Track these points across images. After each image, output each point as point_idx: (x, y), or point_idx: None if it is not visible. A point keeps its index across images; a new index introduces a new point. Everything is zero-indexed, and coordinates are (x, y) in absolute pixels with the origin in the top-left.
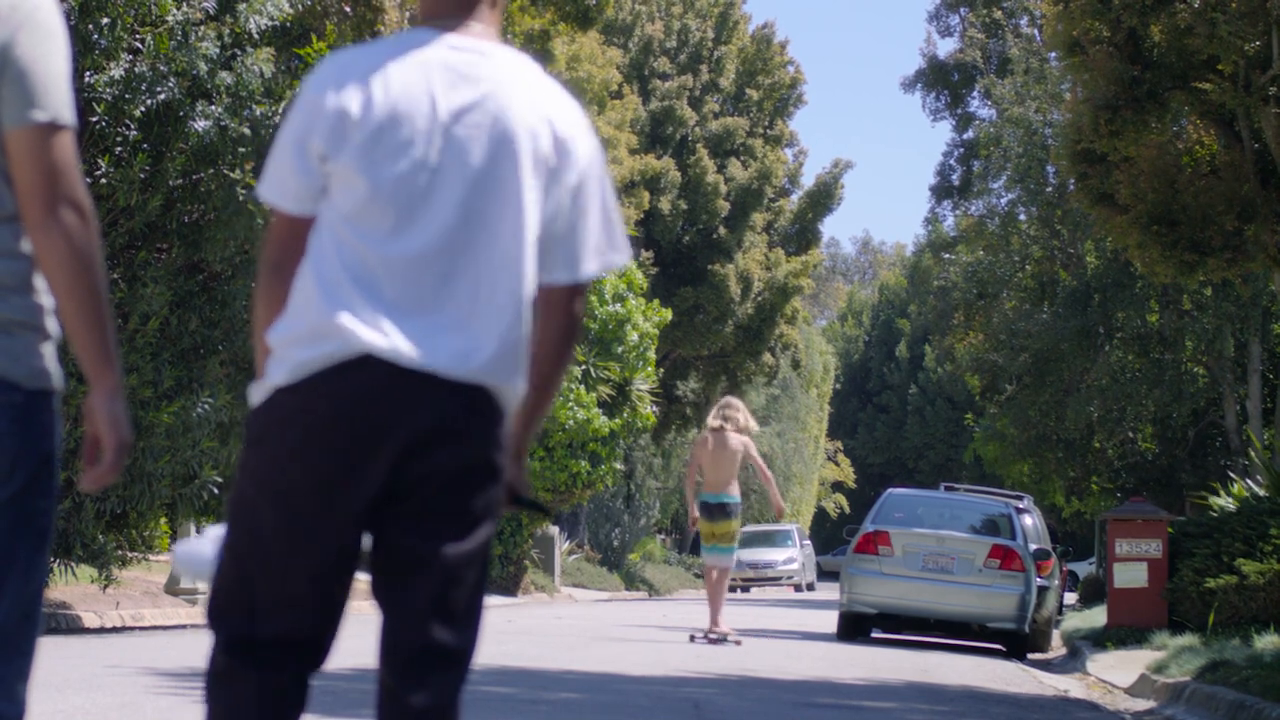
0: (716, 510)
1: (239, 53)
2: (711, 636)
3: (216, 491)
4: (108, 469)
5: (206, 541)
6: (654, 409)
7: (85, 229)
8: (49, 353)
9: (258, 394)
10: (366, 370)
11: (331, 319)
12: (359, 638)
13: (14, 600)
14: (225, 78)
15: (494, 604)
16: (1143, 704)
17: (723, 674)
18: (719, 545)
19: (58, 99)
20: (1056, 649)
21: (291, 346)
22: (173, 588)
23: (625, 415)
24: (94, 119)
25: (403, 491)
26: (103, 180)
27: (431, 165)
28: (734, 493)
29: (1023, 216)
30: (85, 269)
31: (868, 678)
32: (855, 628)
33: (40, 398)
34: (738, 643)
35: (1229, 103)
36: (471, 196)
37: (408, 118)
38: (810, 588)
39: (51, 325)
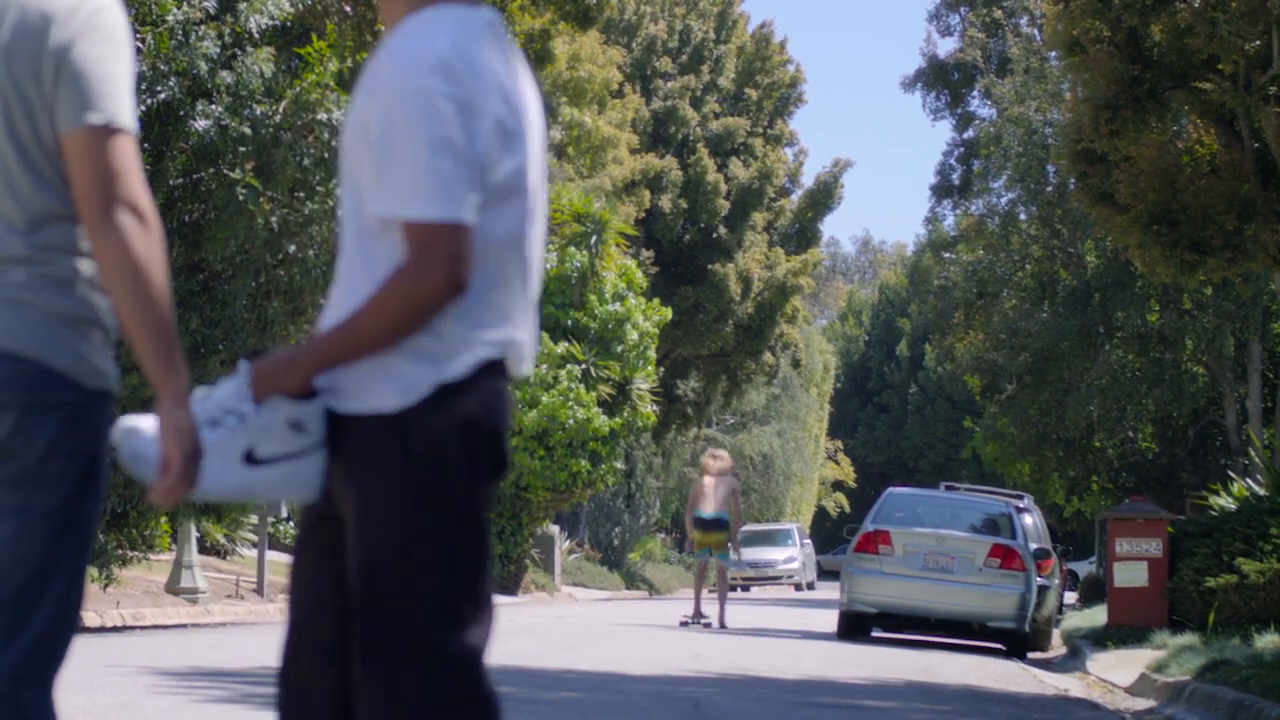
0: (711, 524)
1: (239, 52)
2: (685, 620)
3: None
4: (176, 481)
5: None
6: (654, 408)
7: (144, 233)
8: (108, 350)
9: (453, 365)
10: (506, 371)
11: (496, 326)
12: None
13: (56, 603)
14: (225, 77)
15: (494, 603)
16: (1143, 703)
17: (723, 674)
18: (716, 551)
19: (115, 102)
20: (1057, 648)
21: (481, 330)
22: (173, 587)
23: (625, 414)
24: None
25: None
26: None
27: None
28: (725, 511)
29: (1023, 216)
30: (142, 274)
31: (868, 677)
32: (856, 627)
33: (99, 399)
34: (709, 624)
35: (1229, 102)
36: (540, 198)
37: (532, 126)
38: (810, 587)
39: (113, 323)
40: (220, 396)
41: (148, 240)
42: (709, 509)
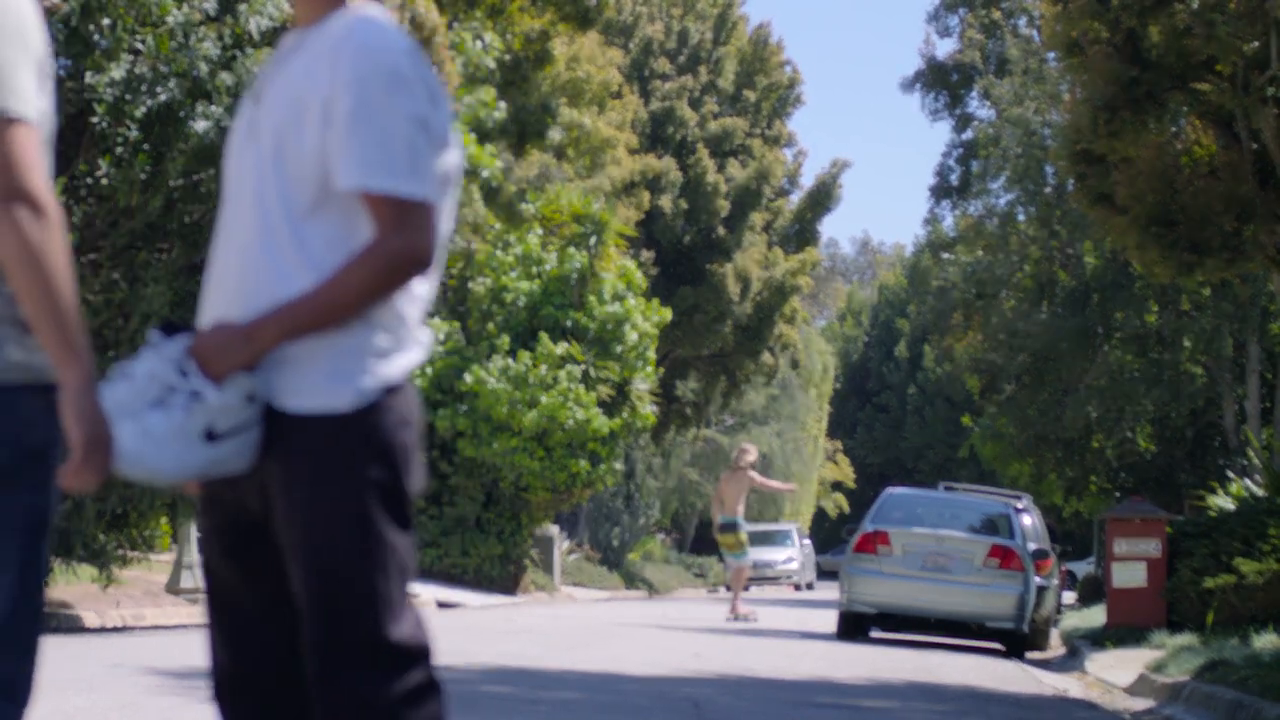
0: (721, 527)
1: (239, 53)
2: (729, 618)
3: None
4: (78, 466)
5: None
6: (653, 409)
7: (40, 225)
8: (31, 343)
9: (395, 367)
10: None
11: (422, 326)
12: None
13: (7, 598)
14: (226, 78)
15: (494, 603)
16: (1141, 703)
17: (723, 674)
18: (728, 552)
19: (10, 91)
20: (1055, 648)
21: (416, 331)
22: (173, 587)
23: (625, 415)
24: (95, 120)
25: None
26: (104, 181)
27: None
28: (735, 514)
29: (1021, 217)
30: (39, 264)
31: (867, 677)
32: (855, 627)
33: (21, 393)
34: (753, 619)
35: (1227, 103)
36: None
37: None
38: (809, 587)
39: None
40: (150, 373)
41: (44, 231)
42: (723, 512)
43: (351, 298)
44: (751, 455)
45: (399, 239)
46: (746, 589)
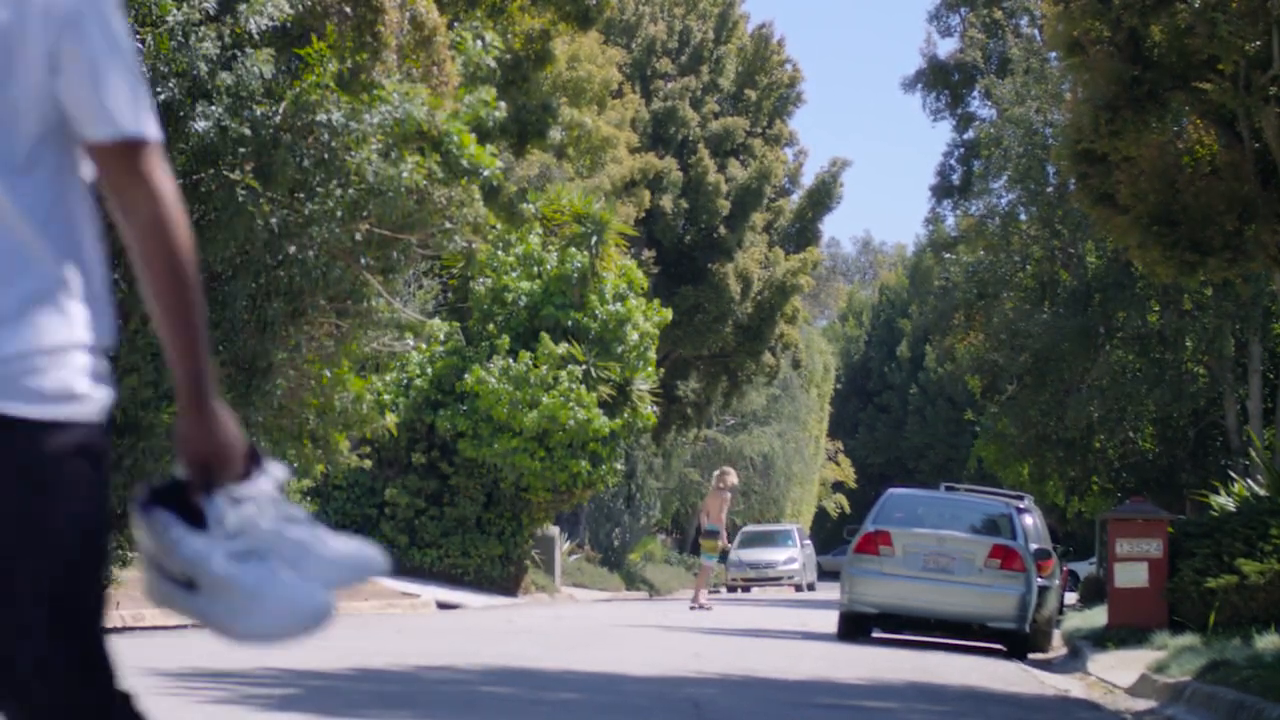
0: (704, 533)
1: (239, 53)
2: (691, 606)
3: None
4: None
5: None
6: (654, 409)
7: None
8: None
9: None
10: None
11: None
12: (358, 639)
13: None
14: (225, 78)
15: (494, 604)
16: (1143, 704)
17: (723, 674)
18: (705, 553)
19: None
20: (1057, 649)
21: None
22: None
23: (626, 415)
24: None
25: None
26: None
27: None
28: (713, 523)
29: (1023, 216)
30: None
31: (868, 678)
32: (856, 628)
33: None
34: (709, 609)
35: (1229, 103)
36: None
37: None
38: (811, 588)
39: None
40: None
41: None
42: (707, 521)
43: (189, 257)
44: (731, 478)
45: (166, 179)
46: (748, 589)
